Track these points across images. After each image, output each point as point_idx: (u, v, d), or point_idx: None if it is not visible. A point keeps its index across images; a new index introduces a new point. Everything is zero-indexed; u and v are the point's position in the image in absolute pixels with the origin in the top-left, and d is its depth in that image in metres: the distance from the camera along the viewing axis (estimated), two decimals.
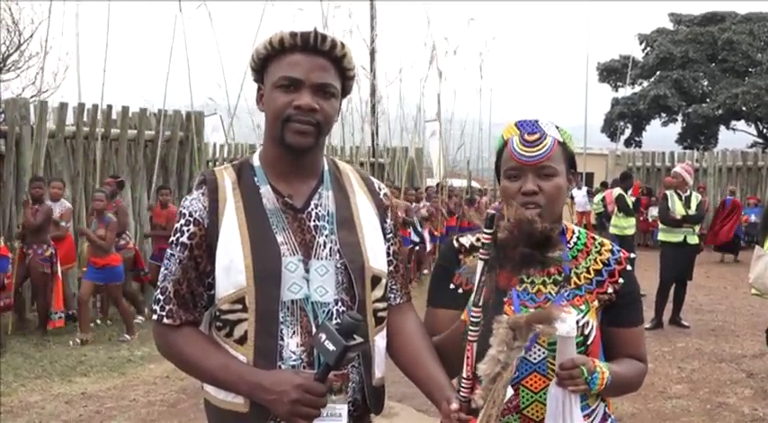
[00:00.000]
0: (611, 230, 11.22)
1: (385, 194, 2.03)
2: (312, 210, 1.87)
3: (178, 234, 1.83)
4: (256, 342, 1.77)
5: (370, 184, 2.02)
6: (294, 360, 1.76)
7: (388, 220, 1.99)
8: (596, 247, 1.98)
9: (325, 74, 1.82)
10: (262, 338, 1.76)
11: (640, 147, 33.70)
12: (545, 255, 1.65)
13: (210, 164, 15.02)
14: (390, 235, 1.99)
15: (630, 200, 12.06)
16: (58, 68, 25.37)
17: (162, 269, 1.86)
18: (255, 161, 1.92)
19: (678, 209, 8.79)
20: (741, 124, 35.23)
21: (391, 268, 1.97)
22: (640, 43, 36.31)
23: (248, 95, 10.97)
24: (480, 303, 1.65)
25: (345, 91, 1.93)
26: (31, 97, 15.78)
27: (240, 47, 10.43)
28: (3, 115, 9.49)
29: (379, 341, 1.89)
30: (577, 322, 1.81)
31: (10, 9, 19.02)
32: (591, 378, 1.74)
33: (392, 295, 1.97)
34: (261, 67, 1.88)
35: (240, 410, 1.78)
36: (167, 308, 1.83)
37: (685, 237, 8.78)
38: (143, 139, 10.88)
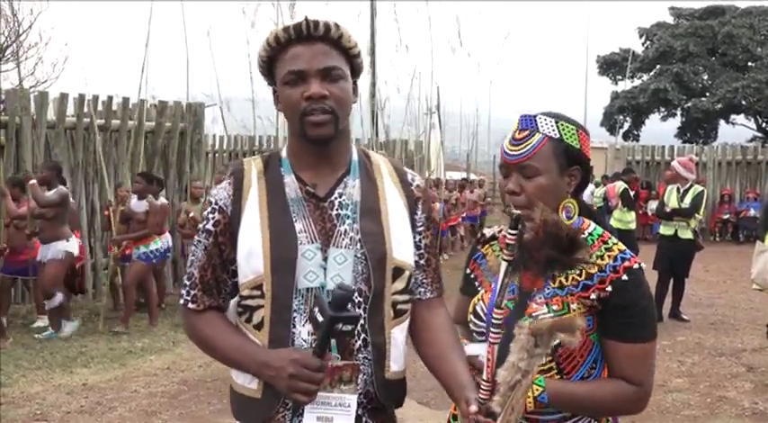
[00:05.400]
0: (615, 224, 11.22)
1: (417, 186, 1.98)
2: (335, 199, 1.86)
3: (204, 221, 1.89)
4: (271, 329, 1.80)
5: (402, 175, 1.98)
6: (305, 348, 1.76)
7: (419, 212, 1.95)
8: (600, 252, 1.83)
9: (327, 58, 1.81)
10: (276, 325, 1.80)
11: (639, 140, 33.66)
12: (570, 257, 1.62)
13: (210, 155, 15.02)
14: (422, 227, 1.95)
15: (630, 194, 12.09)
16: (57, 59, 25.34)
17: (190, 255, 1.91)
18: (283, 153, 1.94)
19: (672, 202, 8.82)
20: (741, 118, 35.19)
21: (422, 261, 1.94)
22: (640, 37, 36.24)
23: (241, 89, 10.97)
24: (502, 305, 1.63)
25: (355, 70, 1.91)
26: (31, 88, 15.73)
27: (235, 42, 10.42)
28: (3, 105, 9.48)
29: (397, 334, 1.87)
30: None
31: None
32: None
33: (422, 289, 1.95)
34: (268, 69, 1.89)
35: (254, 396, 1.82)
36: (192, 293, 1.89)
37: (676, 230, 8.78)
38: (143, 131, 10.86)
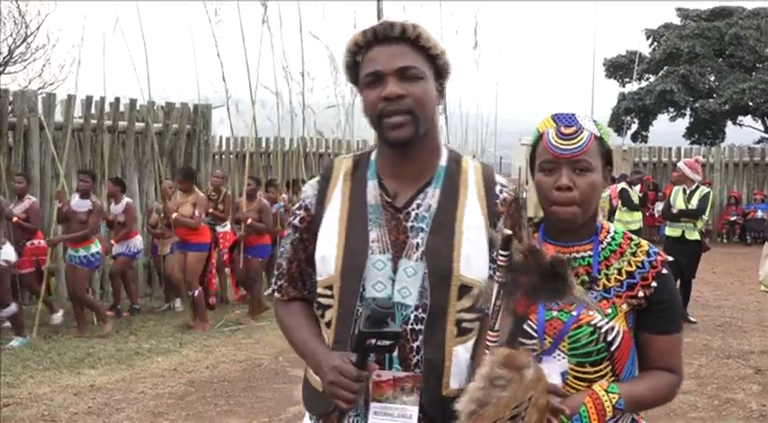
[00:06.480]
0: (616, 225, 11.20)
1: (504, 200, 1.89)
2: (412, 210, 1.84)
3: (293, 216, 1.97)
4: (336, 330, 1.84)
5: (490, 187, 1.91)
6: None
7: (500, 227, 1.86)
8: (632, 249, 1.88)
9: (403, 58, 1.79)
10: (339, 328, 1.83)
11: (647, 142, 33.58)
12: (555, 287, 1.60)
13: (217, 157, 15.03)
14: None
15: (637, 195, 12.07)
16: (65, 61, 25.43)
17: (280, 247, 2.04)
18: (374, 155, 1.93)
19: (678, 203, 8.80)
20: (748, 120, 35.06)
21: None
22: (647, 38, 36.13)
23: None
24: (497, 328, 1.62)
25: (440, 70, 1.88)
26: (38, 89, 15.79)
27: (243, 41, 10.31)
28: (11, 107, 9.51)
29: (461, 352, 1.83)
30: (600, 328, 1.78)
31: (17, 1, 19.05)
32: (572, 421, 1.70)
33: None
34: (355, 76, 1.88)
35: (318, 388, 1.86)
36: (279, 283, 2.00)
37: (683, 231, 8.76)
38: (151, 132, 10.89)
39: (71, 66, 19.06)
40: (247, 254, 9.31)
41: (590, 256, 1.85)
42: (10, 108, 9.52)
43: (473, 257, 1.82)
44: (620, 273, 1.84)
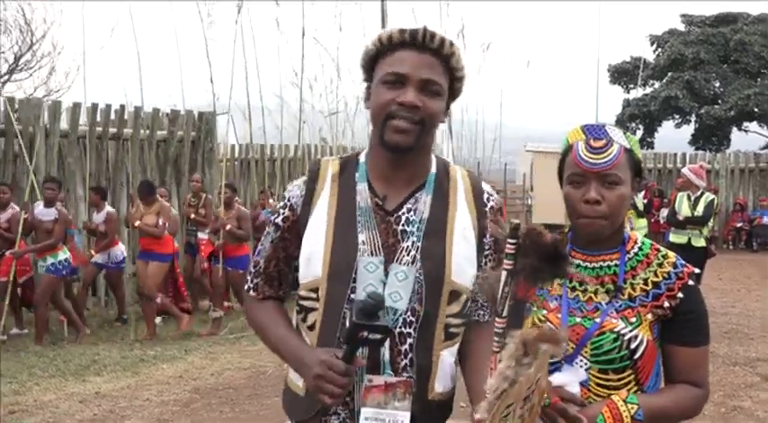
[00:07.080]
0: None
1: (491, 208, 1.92)
2: (403, 214, 1.85)
3: (275, 215, 1.94)
4: (321, 332, 1.83)
5: (478, 195, 1.93)
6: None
7: (488, 235, 1.89)
8: (658, 259, 1.88)
9: (431, 71, 1.79)
10: (326, 330, 1.82)
11: (652, 148, 33.53)
12: (555, 268, 1.60)
13: (221, 164, 15.03)
14: (489, 250, 1.90)
15: (642, 201, 12.06)
16: (70, 68, 25.52)
17: (259, 244, 1.99)
18: (362, 157, 1.93)
19: (684, 210, 8.77)
20: (753, 126, 35.00)
21: None
22: (652, 44, 36.14)
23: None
24: (504, 314, 1.63)
25: (454, 93, 1.89)
26: (44, 97, 15.85)
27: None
28: (16, 115, 9.54)
29: (447, 356, 1.84)
30: (623, 335, 1.78)
31: (23, 9, 19.15)
32: None
33: (481, 311, 1.91)
34: (370, 65, 1.87)
35: (299, 393, 1.85)
36: (255, 281, 1.96)
37: (689, 238, 8.73)
38: (155, 140, 10.92)
39: (76, 73, 19.17)
40: (227, 265, 9.20)
41: (616, 266, 1.85)
42: (15, 115, 9.55)
43: (463, 263, 1.84)
44: (645, 283, 1.84)
